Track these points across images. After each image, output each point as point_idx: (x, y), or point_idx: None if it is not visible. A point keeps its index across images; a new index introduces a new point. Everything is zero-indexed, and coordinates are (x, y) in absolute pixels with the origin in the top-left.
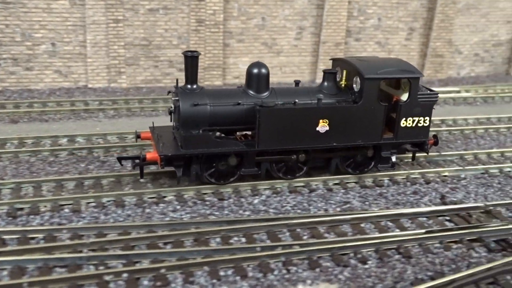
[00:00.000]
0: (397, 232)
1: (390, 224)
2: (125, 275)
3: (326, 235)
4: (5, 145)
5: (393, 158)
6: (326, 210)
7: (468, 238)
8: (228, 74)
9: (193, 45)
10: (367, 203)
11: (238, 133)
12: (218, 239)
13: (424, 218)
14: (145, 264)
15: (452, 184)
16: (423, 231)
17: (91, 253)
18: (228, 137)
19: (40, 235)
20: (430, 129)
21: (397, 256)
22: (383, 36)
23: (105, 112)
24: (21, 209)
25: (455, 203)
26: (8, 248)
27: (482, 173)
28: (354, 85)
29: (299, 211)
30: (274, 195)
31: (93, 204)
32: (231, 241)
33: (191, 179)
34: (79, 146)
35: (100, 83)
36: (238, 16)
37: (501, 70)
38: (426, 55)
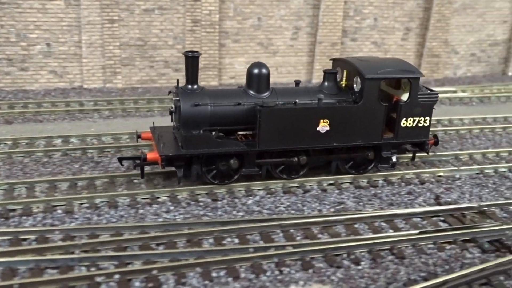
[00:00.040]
0: (391, 232)
1: (384, 224)
2: (116, 276)
3: (320, 235)
4: None
5: (394, 158)
6: (320, 210)
7: (462, 239)
8: (224, 74)
9: (188, 46)
10: (361, 203)
11: (239, 133)
12: (211, 240)
13: (418, 219)
14: (137, 265)
15: (447, 185)
16: (417, 231)
17: (83, 254)
18: (228, 137)
19: (32, 236)
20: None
21: (390, 257)
22: (379, 36)
23: (100, 112)
24: (14, 210)
25: (450, 204)
26: (0, 249)
27: (477, 173)
28: (355, 85)
29: (293, 211)
30: (268, 195)
31: (86, 205)
32: (224, 242)
33: (192, 179)
34: (73, 147)
35: (96, 84)
36: (233, 16)
37: (498, 70)
38: (422, 55)
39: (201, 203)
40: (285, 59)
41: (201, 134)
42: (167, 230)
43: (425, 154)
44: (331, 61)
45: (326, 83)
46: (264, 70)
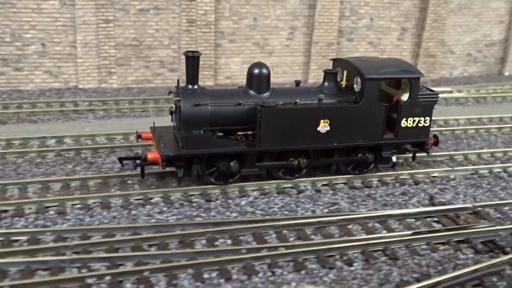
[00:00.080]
0: (384, 233)
1: (378, 225)
2: (108, 278)
3: (313, 236)
4: None
5: (394, 158)
6: (313, 211)
7: (455, 240)
8: (220, 74)
9: (184, 46)
10: (355, 204)
11: (239, 133)
12: (203, 241)
13: (412, 219)
14: (129, 266)
15: (441, 185)
16: (410, 232)
17: (75, 256)
18: (229, 137)
19: (24, 238)
20: None
21: (383, 258)
22: (375, 36)
23: (94, 113)
24: (6, 211)
25: (444, 204)
26: None
27: (472, 174)
28: (355, 85)
29: (286, 212)
30: (262, 196)
31: (79, 206)
32: (216, 243)
33: (192, 179)
34: (67, 147)
35: (91, 84)
36: (229, 16)
37: (494, 70)
38: (418, 55)
39: (194, 204)
40: (281, 59)
41: (201, 134)
42: (159, 231)
43: (425, 154)
44: (331, 61)
45: (326, 83)
46: (264, 70)
